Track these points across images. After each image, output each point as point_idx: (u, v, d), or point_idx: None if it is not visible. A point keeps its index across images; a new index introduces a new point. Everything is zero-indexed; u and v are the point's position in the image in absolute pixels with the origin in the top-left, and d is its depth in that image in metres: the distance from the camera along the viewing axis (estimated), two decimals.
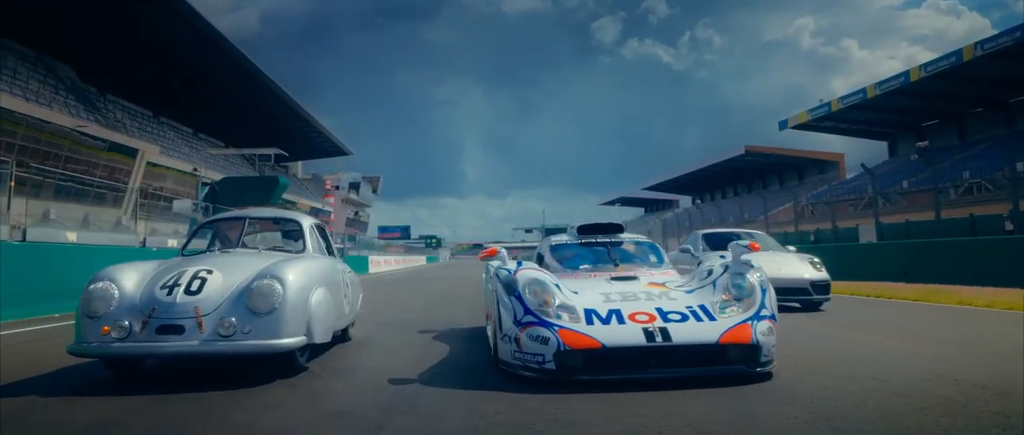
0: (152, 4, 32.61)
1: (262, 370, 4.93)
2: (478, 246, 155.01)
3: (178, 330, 4.58)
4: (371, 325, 8.34)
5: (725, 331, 4.36)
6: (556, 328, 4.36)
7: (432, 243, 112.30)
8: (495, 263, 5.31)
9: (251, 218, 6.37)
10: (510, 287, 4.71)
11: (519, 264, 5.11)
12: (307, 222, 6.33)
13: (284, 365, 4.97)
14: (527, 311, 4.52)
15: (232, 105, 51.84)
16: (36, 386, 4.72)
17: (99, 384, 4.77)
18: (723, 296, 4.76)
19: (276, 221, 6.59)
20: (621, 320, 4.42)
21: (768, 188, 66.01)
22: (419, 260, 73.78)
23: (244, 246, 6.01)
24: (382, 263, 50.29)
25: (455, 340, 6.79)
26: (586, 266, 5.95)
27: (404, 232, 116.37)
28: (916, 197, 36.34)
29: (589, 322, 4.42)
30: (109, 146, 35.81)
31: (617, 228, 6.66)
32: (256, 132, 62.52)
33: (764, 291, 4.75)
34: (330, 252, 6.66)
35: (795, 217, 33.89)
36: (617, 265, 5.88)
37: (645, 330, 4.30)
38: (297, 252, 5.94)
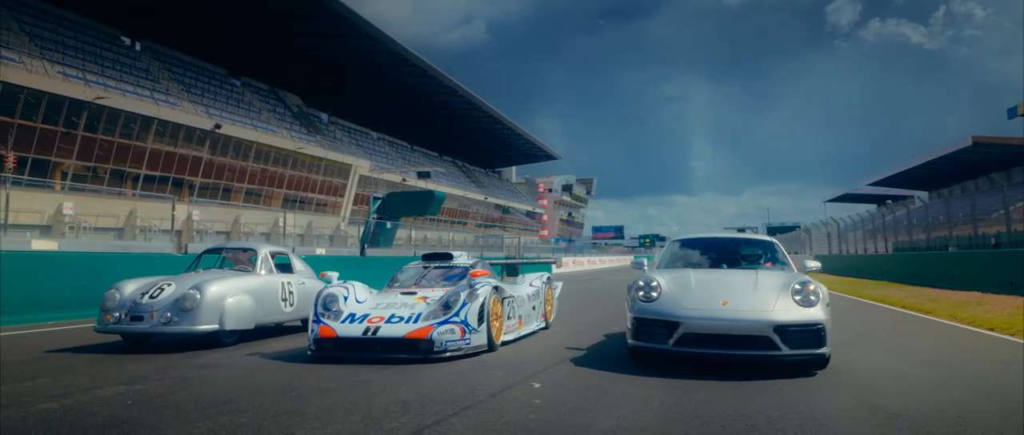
0: (364, 39, 38.80)
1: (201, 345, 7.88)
2: None
3: (140, 319, 7.65)
4: None
5: (411, 330, 6.50)
6: (320, 324, 6.76)
7: (645, 243, 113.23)
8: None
9: (226, 248, 9.49)
10: (315, 297, 7.23)
11: (342, 282, 7.57)
12: (263, 251, 9.20)
13: (210, 343, 7.89)
14: (315, 312, 6.98)
15: (444, 121, 58.33)
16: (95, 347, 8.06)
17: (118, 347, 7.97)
18: (439, 308, 6.89)
19: (244, 250, 9.56)
20: (362, 321, 6.72)
21: (1012, 181, 59.29)
22: (614, 261, 73.42)
23: (222, 266, 9.11)
24: (570, 263, 52.93)
25: None
26: (403, 284, 8.24)
27: (618, 232, 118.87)
28: None
29: (342, 321, 6.74)
30: (325, 164, 42.47)
31: (447, 256, 8.87)
32: (466, 143, 68.82)
33: (465, 304, 6.77)
34: (289, 270, 9.50)
35: None
36: (416, 284, 8.11)
37: (365, 328, 6.60)
38: (251, 270, 8.88)
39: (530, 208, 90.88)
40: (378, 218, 28.26)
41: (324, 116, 49.21)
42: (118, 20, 33.62)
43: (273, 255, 9.31)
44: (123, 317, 7.72)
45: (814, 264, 7.32)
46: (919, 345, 8.58)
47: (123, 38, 34.55)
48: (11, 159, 22.07)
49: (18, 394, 5.18)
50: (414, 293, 7.53)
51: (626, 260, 68.36)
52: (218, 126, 33.05)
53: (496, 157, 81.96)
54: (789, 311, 5.88)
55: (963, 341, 8.82)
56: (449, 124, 60.42)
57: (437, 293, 7.42)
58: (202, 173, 33.39)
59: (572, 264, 52.23)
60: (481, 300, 6.91)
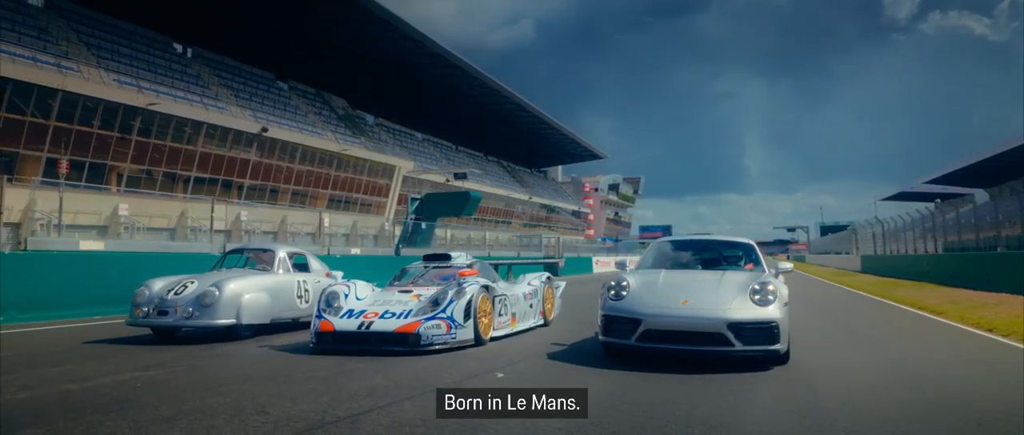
0: (407, 42, 39.90)
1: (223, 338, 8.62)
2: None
3: (165, 313, 8.40)
4: None
5: (401, 325, 7.10)
6: (321, 318, 7.41)
7: None
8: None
9: (248, 249, 10.23)
10: (319, 294, 7.89)
11: (345, 280, 8.22)
12: (281, 252, 9.89)
13: (228, 336, 8.61)
14: (317, 308, 7.64)
15: (488, 121, 59.13)
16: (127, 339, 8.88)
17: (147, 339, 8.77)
18: (428, 304, 7.47)
19: (264, 250, 10.28)
20: (358, 316, 7.34)
21: None
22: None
23: (245, 265, 9.86)
24: (612, 264, 52.85)
25: None
26: (402, 282, 8.83)
27: (665, 231, 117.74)
28: None
29: (341, 316, 7.38)
30: (369, 165, 43.59)
31: (445, 257, 9.43)
32: (511, 143, 69.43)
33: (451, 301, 7.35)
34: (306, 270, 10.19)
35: None
36: (413, 283, 8.69)
37: (360, 322, 7.21)
38: (270, 269, 9.60)
39: (576, 207, 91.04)
40: (416, 218, 29.12)
41: (369, 118, 50.40)
42: (170, 28, 35.20)
43: (291, 255, 10.01)
44: (151, 312, 8.50)
45: (786, 266, 7.70)
46: (903, 345, 8.83)
47: (174, 45, 36.15)
48: (64, 165, 23.51)
49: (49, 377, 5.94)
50: (410, 291, 8.13)
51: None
52: (265, 129, 34.31)
53: (541, 157, 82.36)
54: (744, 310, 6.29)
55: (952, 342, 9.02)
56: (493, 125, 61.11)
57: (430, 291, 8.00)
58: (250, 175, 34.71)
59: (613, 265, 51.97)
60: (467, 297, 7.48)
